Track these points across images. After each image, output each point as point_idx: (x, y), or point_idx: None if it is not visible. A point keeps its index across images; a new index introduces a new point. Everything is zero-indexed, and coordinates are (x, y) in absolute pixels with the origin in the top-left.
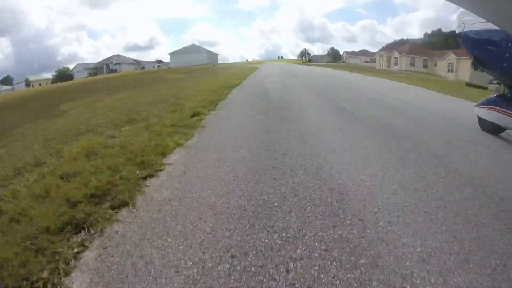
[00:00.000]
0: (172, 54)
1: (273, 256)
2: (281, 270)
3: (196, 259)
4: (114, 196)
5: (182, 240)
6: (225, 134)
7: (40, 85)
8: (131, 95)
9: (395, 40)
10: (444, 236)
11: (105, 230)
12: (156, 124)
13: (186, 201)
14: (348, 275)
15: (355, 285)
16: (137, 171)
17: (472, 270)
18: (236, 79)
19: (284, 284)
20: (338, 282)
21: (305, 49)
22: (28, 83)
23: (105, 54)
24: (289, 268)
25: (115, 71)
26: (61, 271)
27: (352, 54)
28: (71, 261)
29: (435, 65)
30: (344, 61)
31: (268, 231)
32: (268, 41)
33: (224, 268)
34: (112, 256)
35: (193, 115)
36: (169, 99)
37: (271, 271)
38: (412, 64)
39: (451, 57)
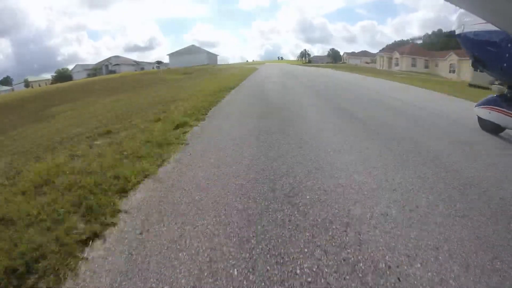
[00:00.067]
0: (171, 55)
1: None
2: None
3: None
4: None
5: None
6: (211, 155)
7: (39, 85)
8: (121, 99)
9: (395, 41)
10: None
11: None
12: (132, 138)
13: None
14: None
15: None
16: (79, 225)
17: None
18: (234, 80)
19: None
20: None
21: (305, 50)
22: (27, 84)
23: (105, 54)
24: None
25: (114, 72)
26: None
27: (353, 54)
28: None
29: (436, 65)
30: (344, 62)
31: None
32: (268, 41)
33: None
34: None
35: (178, 126)
36: (159, 103)
37: None
38: (413, 65)
39: (453, 57)
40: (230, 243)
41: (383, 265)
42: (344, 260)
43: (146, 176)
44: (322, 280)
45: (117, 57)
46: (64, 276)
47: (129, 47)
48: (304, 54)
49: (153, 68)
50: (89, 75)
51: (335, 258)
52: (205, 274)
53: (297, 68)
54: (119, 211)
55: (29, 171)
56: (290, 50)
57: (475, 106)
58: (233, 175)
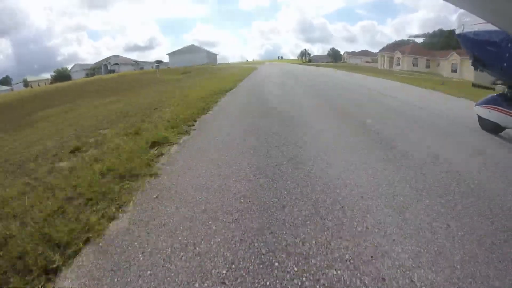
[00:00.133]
0: (171, 55)
1: None
2: None
3: None
4: None
5: None
6: (184, 204)
7: (38, 85)
8: (109, 103)
9: (395, 41)
10: None
11: None
12: (96, 161)
13: None
14: None
15: None
16: None
17: None
18: (232, 81)
19: None
20: None
21: (305, 49)
22: (26, 84)
23: (105, 54)
24: None
25: (113, 71)
26: None
27: (353, 54)
28: None
29: (438, 65)
30: (344, 62)
31: None
32: (268, 41)
33: None
34: None
35: (154, 145)
36: (146, 108)
37: None
38: (415, 64)
39: (455, 57)
40: None
41: None
42: None
43: (86, 242)
44: None
45: (116, 56)
46: None
47: (129, 47)
48: (304, 54)
49: (152, 67)
50: (87, 75)
51: None
52: None
53: (297, 68)
54: None
55: None
56: (290, 49)
57: (475, 106)
58: (215, 259)
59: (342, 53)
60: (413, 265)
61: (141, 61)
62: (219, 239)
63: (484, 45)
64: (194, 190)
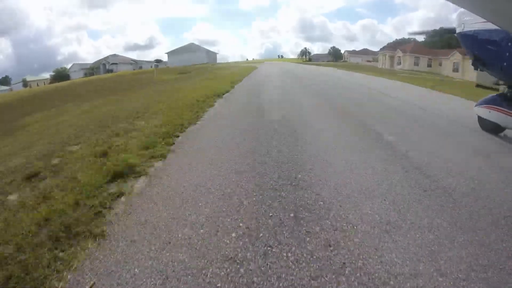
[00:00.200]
0: (170, 53)
1: None
2: None
3: None
4: None
5: None
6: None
7: (37, 85)
8: (95, 108)
9: (396, 39)
10: None
11: None
12: (45, 199)
13: None
14: None
15: None
16: None
17: None
18: (230, 81)
19: None
20: None
21: (305, 48)
22: (25, 84)
23: (105, 53)
24: None
25: (111, 71)
26: None
27: (353, 53)
28: None
29: (440, 64)
30: (345, 60)
31: None
32: (268, 40)
33: None
34: None
35: (116, 177)
36: (127, 117)
37: None
38: (416, 64)
39: (456, 56)
40: None
41: None
42: None
43: None
44: None
45: (114, 55)
46: None
47: (129, 46)
48: (304, 53)
49: (151, 67)
50: (86, 75)
51: None
52: None
53: (297, 67)
54: None
55: None
56: (290, 48)
57: (475, 106)
58: None
59: (342, 52)
60: None
61: (140, 60)
62: None
63: (484, 44)
64: (150, 277)
